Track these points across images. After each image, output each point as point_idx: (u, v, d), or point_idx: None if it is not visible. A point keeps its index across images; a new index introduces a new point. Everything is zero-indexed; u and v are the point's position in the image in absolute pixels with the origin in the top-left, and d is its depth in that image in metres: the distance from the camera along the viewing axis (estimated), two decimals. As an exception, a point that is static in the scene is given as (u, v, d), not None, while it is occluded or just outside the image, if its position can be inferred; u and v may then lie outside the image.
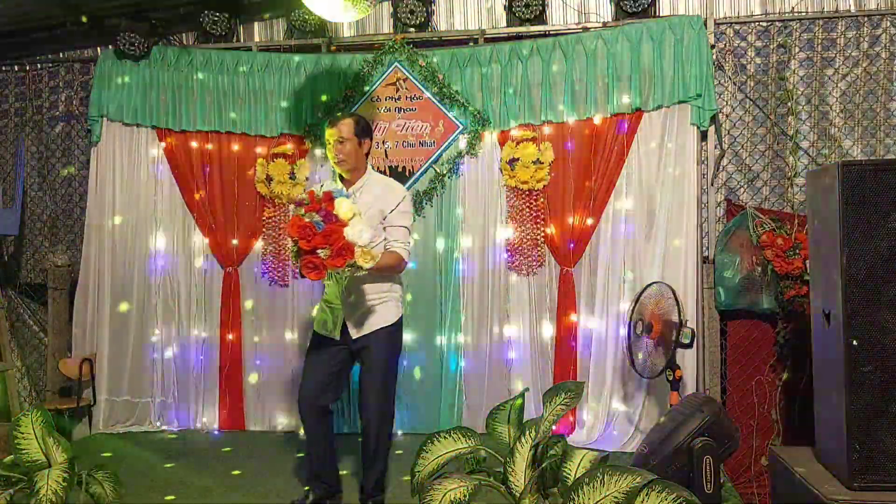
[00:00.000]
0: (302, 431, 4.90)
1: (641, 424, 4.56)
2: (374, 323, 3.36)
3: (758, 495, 4.38)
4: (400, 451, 4.28)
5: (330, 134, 3.39)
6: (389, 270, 3.33)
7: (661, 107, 4.67)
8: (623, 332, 4.20)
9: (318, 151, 5.06)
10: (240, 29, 5.37)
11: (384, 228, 3.36)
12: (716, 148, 4.78)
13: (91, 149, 5.23)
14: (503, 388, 4.81)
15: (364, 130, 3.43)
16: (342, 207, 3.04)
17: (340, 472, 3.59)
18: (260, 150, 5.11)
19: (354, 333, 3.35)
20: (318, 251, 2.95)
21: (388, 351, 3.40)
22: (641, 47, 4.67)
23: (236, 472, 4.11)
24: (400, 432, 4.84)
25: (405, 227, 3.38)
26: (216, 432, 5.03)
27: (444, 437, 2.44)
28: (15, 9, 4.94)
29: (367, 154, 3.49)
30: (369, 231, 3.10)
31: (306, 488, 3.51)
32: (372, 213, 3.30)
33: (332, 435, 3.47)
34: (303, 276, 3.03)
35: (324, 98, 5.02)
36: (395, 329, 3.42)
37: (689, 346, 3.89)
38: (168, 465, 4.26)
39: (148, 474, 4.09)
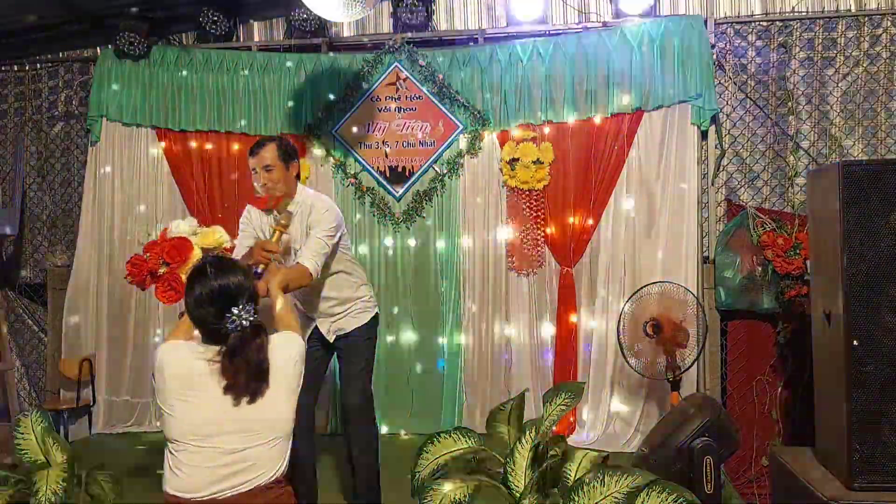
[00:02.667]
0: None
1: (641, 424, 4.56)
2: (348, 325, 3.36)
3: (758, 495, 4.37)
4: (400, 452, 4.28)
5: (253, 163, 3.17)
6: (293, 285, 3.09)
7: (661, 107, 4.67)
8: (623, 331, 4.20)
9: (317, 151, 5.06)
10: (240, 29, 5.36)
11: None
12: (716, 148, 4.77)
13: (90, 149, 5.23)
14: (503, 388, 4.81)
15: (288, 153, 3.21)
16: (179, 228, 3.03)
17: (338, 476, 3.56)
18: (260, 150, 5.10)
19: (331, 337, 3.37)
20: (160, 270, 2.99)
21: (364, 348, 3.39)
22: (641, 47, 4.67)
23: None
24: (401, 432, 4.84)
25: (318, 238, 3.12)
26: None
27: (444, 437, 2.44)
28: (15, 8, 4.93)
29: (298, 176, 3.29)
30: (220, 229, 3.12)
31: None
32: (301, 230, 3.20)
33: (312, 437, 3.38)
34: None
35: (324, 98, 5.02)
36: (371, 325, 3.41)
37: (697, 350, 3.91)
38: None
39: (148, 474, 4.08)
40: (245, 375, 1.97)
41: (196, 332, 2.10)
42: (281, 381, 2.04)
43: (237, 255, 3.35)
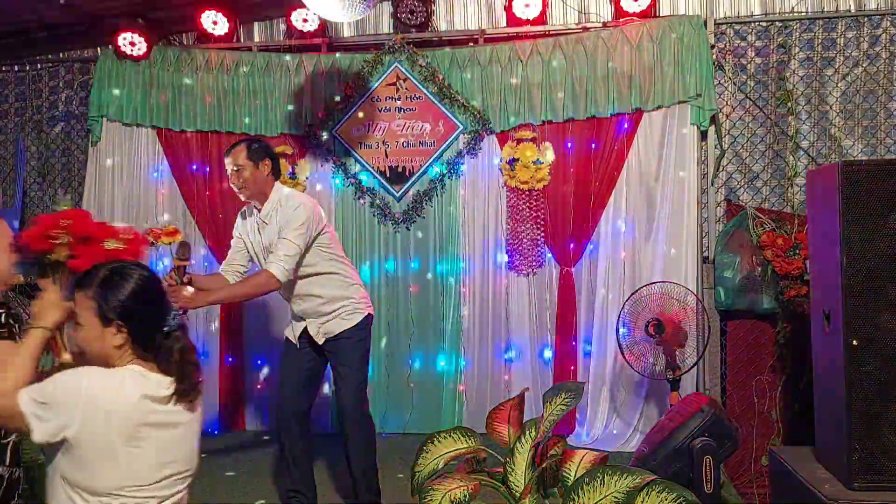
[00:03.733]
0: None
1: (641, 424, 4.56)
2: (338, 327, 3.36)
3: (758, 495, 4.37)
4: (400, 451, 4.28)
5: (226, 164, 3.33)
6: (252, 291, 3.28)
7: (661, 107, 4.67)
8: (623, 331, 4.21)
9: (318, 151, 5.06)
10: (240, 29, 5.36)
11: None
12: (716, 148, 4.77)
13: (91, 149, 5.23)
14: (503, 389, 4.81)
15: (258, 152, 3.31)
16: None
17: (337, 476, 3.57)
18: (260, 150, 5.10)
19: (320, 340, 3.37)
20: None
21: (356, 349, 3.39)
22: (641, 47, 4.67)
23: (235, 473, 4.11)
24: (401, 432, 4.85)
25: (287, 240, 3.17)
26: (216, 432, 5.03)
27: (444, 437, 2.43)
28: (15, 8, 4.93)
29: (272, 174, 3.36)
30: None
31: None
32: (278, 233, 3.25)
33: (309, 440, 3.45)
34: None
35: (324, 98, 5.02)
36: (362, 327, 3.41)
37: (699, 350, 3.92)
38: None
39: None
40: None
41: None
42: None
43: (223, 268, 3.48)
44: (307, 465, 3.45)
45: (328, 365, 3.48)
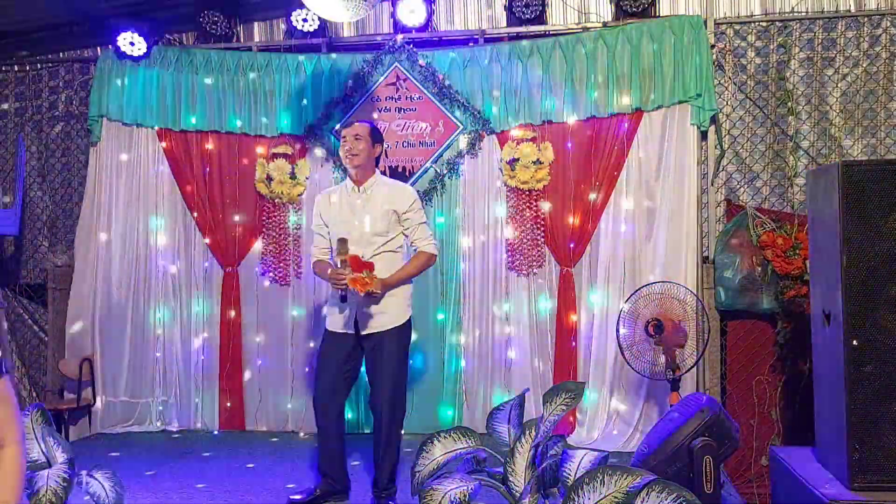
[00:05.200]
0: (301, 435, 4.91)
1: (641, 424, 4.56)
2: (386, 322, 3.46)
3: (758, 495, 4.38)
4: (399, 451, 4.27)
5: (346, 132, 3.54)
6: (420, 270, 3.61)
7: (661, 107, 4.67)
8: (623, 331, 4.21)
9: (318, 151, 5.07)
10: (240, 29, 5.36)
11: (405, 230, 3.55)
12: (716, 148, 4.77)
13: (91, 149, 5.23)
14: (503, 389, 4.81)
15: (377, 136, 3.61)
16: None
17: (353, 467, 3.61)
18: (260, 150, 5.10)
19: (366, 331, 3.45)
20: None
21: (400, 347, 3.50)
22: (641, 47, 4.67)
23: (236, 472, 4.11)
24: (402, 432, 4.84)
25: (424, 223, 3.58)
26: (216, 432, 5.03)
27: (444, 437, 2.44)
28: (16, 8, 4.94)
29: (378, 158, 3.65)
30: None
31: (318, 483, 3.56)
32: (384, 210, 3.48)
33: (343, 434, 3.55)
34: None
35: (324, 98, 5.02)
36: (406, 326, 3.55)
37: (699, 351, 3.92)
38: (168, 465, 4.26)
39: (148, 474, 4.09)
40: None
41: None
42: None
43: (318, 256, 3.63)
44: (341, 455, 3.54)
45: (363, 358, 3.55)
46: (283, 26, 5.34)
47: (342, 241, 3.32)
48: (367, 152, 3.52)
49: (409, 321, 3.56)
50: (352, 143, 3.50)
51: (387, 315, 3.46)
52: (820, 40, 4.74)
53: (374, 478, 3.52)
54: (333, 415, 3.49)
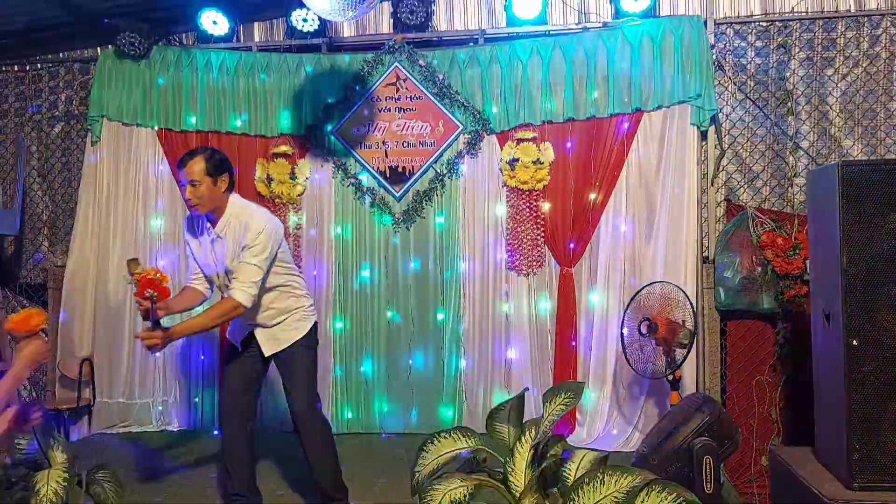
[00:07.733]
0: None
1: (641, 424, 4.56)
2: (288, 339, 3.32)
3: (758, 495, 4.37)
4: (400, 451, 4.28)
5: (182, 174, 3.15)
6: (219, 320, 3.16)
7: (661, 107, 4.67)
8: (625, 331, 4.21)
9: (318, 151, 5.06)
10: (240, 29, 5.36)
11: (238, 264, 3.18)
12: (716, 148, 4.77)
13: (91, 149, 5.23)
14: (503, 388, 4.81)
15: (217, 167, 3.15)
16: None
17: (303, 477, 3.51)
18: (260, 150, 5.10)
19: (267, 350, 3.32)
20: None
21: (307, 356, 3.36)
22: (641, 47, 4.67)
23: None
24: (401, 432, 4.85)
25: (251, 265, 3.10)
26: (216, 432, 5.03)
27: (444, 437, 2.43)
28: (15, 9, 4.93)
29: (229, 189, 3.21)
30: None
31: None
32: (236, 251, 3.17)
33: (254, 444, 3.42)
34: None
35: (324, 98, 5.02)
36: (310, 335, 3.38)
37: (687, 346, 3.91)
38: (168, 465, 4.26)
39: (148, 474, 4.09)
40: None
41: None
42: None
43: (192, 279, 3.40)
44: (250, 470, 3.41)
45: (267, 369, 3.44)
46: (283, 26, 5.34)
47: (131, 262, 3.03)
48: (208, 194, 3.12)
49: (312, 328, 3.37)
50: (189, 191, 3.11)
51: (287, 332, 3.31)
52: (820, 40, 4.74)
53: (316, 483, 3.38)
54: (239, 422, 3.34)
